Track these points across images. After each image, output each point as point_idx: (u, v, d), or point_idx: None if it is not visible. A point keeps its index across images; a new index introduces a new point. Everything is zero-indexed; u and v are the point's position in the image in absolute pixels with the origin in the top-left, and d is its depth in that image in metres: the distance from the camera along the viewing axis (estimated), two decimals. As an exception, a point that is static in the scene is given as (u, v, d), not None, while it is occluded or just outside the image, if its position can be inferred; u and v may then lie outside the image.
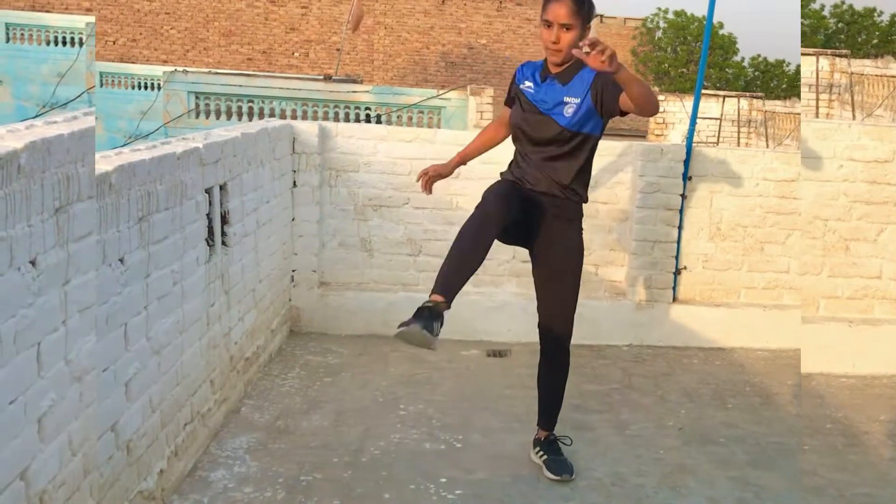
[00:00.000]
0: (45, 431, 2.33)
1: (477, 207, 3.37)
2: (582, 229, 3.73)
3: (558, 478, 3.64)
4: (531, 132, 3.57)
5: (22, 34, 17.97)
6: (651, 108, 3.33)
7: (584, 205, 3.70)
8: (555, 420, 3.83)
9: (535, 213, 3.56)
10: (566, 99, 3.49)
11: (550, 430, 3.82)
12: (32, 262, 2.22)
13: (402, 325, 3.01)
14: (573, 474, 3.68)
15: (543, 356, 3.77)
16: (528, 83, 3.61)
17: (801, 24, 36.64)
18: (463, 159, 3.95)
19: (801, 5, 36.95)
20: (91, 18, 17.03)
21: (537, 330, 3.74)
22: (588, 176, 3.68)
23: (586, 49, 3.06)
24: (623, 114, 3.47)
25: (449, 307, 3.11)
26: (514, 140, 3.70)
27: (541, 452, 3.77)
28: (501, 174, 3.74)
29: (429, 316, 3.01)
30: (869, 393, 4.83)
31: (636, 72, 42.15)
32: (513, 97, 3.70)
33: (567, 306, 3.68)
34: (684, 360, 5.44)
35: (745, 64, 43.01)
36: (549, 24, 3.42)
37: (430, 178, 3.91)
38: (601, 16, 49.13)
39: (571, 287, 3.68)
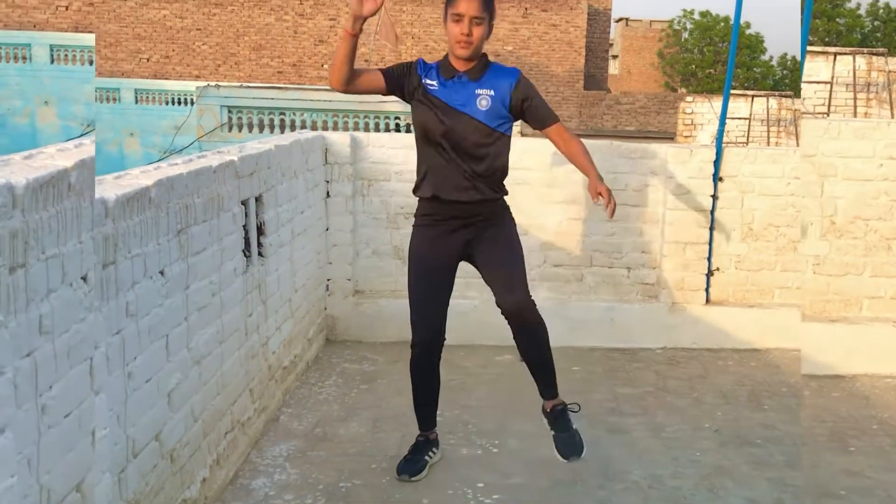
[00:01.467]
0: (98, 446, 2.39)
1: (411, 348, 3.67)
2: (513, 220, 3.71)
3: (566, 460, 3.70)
4: (449, 131, 3.49)
5: (147, 97, 21.70)
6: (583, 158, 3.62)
7: (504, 199, 3.71)
8: (554, 385, 3.77)
9: (461, 235, 3.61)
10: (478, 92, 3.49)
11: (555, 397, 3.79)
12: (161, 273, 2.83)
13: (398, 469, 3.70)
14: (582, 452, 3.75)
15: (515, 329, 3.64)
16: (430, 81, 3.52)
17: (837, 23, 35.75)
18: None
19: (836, 4, 36.21)
20: (201, 83, 18.53)
21: (501, 313, 3.61)
22: (505, 173, 3.66)
23: (600, 202, 3.51)
24: (526, 120, 3.60)
25: (435, 427, 3.85)
26: (425, 143, 3.59)
27: (549, 425, 3.81)
28: (417, 215, 3.74)
29: (422, 451, 3.76)
30: (915, 393, 4.77)
31: (663, 74, 42.02)
32: (401, 82, 3.55)
33: (517, 272, 3.59)
34: (719, 361, 5.43)
35: (774, 63, 42.65)
36: (458, 18, 3.41)
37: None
38: (626, 19, 49.05)
39: (515, 256, 3.62)
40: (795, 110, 21.32)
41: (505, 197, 3.70)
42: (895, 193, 5.05)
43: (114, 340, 2.52)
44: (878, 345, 5.00)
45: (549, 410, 3.80)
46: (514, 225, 3.71)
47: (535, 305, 3.62)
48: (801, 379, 5.10)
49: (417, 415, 3.81)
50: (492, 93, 3.50)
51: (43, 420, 2.07)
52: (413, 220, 3.76)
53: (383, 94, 3.63)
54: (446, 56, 3.57)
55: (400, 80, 3.56)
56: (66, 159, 2.18)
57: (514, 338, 3.69)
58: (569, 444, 3.75)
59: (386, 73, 3.55)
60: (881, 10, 38.41)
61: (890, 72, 17.43)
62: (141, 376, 2.74)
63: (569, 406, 3.81)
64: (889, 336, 5.03)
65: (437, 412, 3.88)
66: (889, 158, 5.04)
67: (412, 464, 3.71)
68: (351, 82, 3.46)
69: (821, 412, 4.54)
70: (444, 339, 3.67)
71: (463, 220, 3.59)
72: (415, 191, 3.71)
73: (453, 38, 3.46)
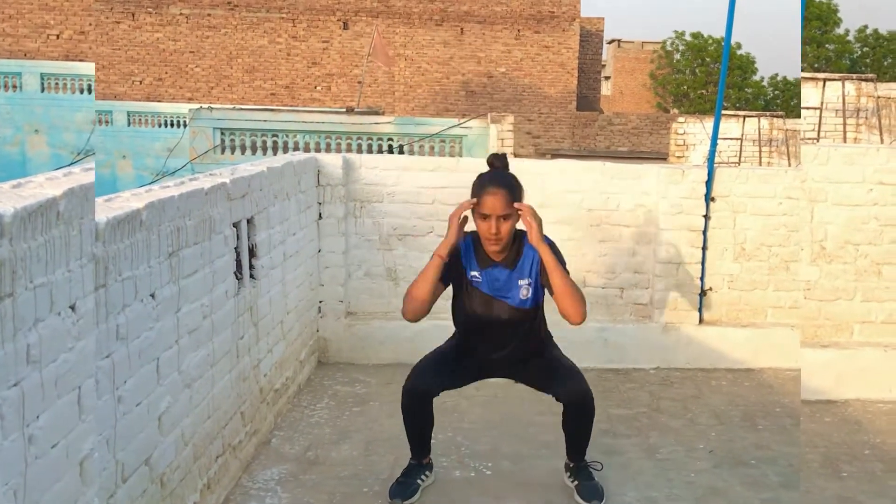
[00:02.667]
0: (86, 475, 2.37)
1: (408, 377, 3.67)
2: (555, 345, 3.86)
3: (587, 503, 3.65)
4: (491, 317, 3.61)
5: (140, 119, 21.73)
6: (570, 307, 3.44)
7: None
8: (584, 453, 3.82)
9: (499, 369, 3.79)
10: (520, 282, 3.58)
11: (580, 461, 3.83)
12: (152, 295, 2.83)
13: (391, 492, 3.67)
14: (603, 499, 3.68)
15: (571, 411, 3.70)
16: (473, 273, 3.61)
17: (826, 49, 35.93)
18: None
19: (825, 31, 36.42)
20: (194, 105, 18.62)
21: (558, 400, 3.71)
22: (544, 321, 3.79)
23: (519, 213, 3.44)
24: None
25: (429, 453, 3.83)
26: (464, 327, 3.73)
27: (572, 477, 3.78)
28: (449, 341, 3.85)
29: (415, 474, 3.75)
30: (906, 416, 4.76)
31: (655, 95, 42.20)
32: (450, 273, 3.61)
33: (577, 372, 3.72)
34: (712, 381, 5.42)
35: (765, 83, 42.93)
36: (486, 217, 3.47)
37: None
38: (618, 40, 49.33)
39: (567, 363, 3.77)
40: (787, 130, 21.44)
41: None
42: (885, 218, 5.07)
43: (104, 364, 2.50)
44: (869, 369, 5.00)
45: (572, 465, 3.82)
46: (557, 347, 3.86)
47: (593, 396, 3.69)
48: (795, 399, 5.09)
49: (411, 444, 3.80)
50: (528, 281, 3.59)
51: (30, 450, 2.04)
52: None
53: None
54: (478, 236, 3.60)
55: (451, 273, 3.62)
56: (55, 188, 2.17)
57: (563, 415, 3.72)
58: (592, 489, 3.70)
59: (443, 280, 3.61)
60: (869, 36, 38.58)
61: (879, 97, 17.44)
62: (131, 400, 2.72)
63: (591, 464, 3.82)
64: (880, 360, 5.03)
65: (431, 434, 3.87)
66: (879, 183, 5.06)
67: (404, 487, 3.69)
68: (429, 306, 3.57)
69: (813, 437, 4.51)
70: (436, 395, 3.71)
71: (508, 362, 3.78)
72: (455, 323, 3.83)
73: (483, 236, 3.53)
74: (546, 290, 3.60)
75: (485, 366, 3.78)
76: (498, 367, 3.79)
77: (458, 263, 3.60)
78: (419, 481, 3.74)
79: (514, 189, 3.51)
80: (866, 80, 17.87)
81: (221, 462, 3.62)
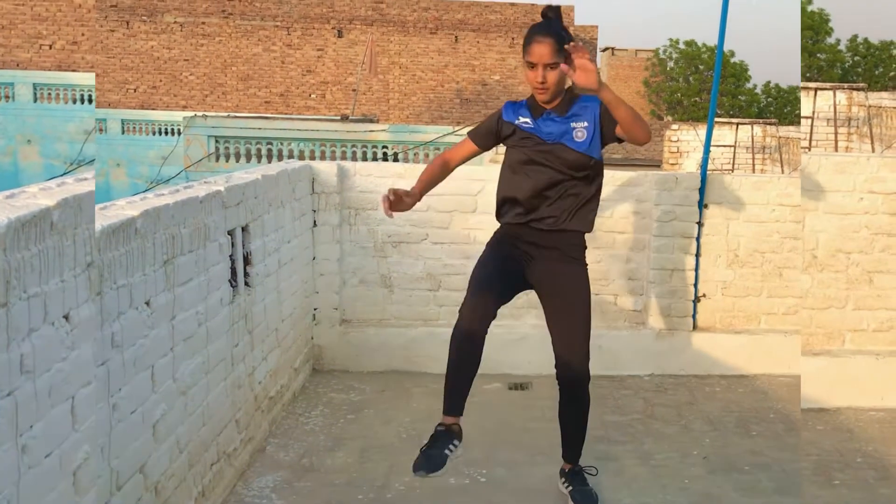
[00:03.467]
0: (80, 484, 2.37)
1: (461, 307, 3.37)
2: (586, 265, 3.68)
3: None
4: (542, 166, 3.50)
5: (134, 127, 21.53)
6: (640, 133, 3.33)
7: (585, 237, 3.67)
8: (580, 452, 3.79)
9: (532, 259, 3.57)
10: (574, 125, 3.49)
11: (576, 463, 3.80)
12: (147, 303, 2.83)
13: (415, 465, 3.33)
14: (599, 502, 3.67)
15: (564, 393, 3.66)
16: (524, 119, 3.55)
17: (818, 58, 36.25)
18: (422, 191, 3.67)
19: (816, 40, 36.59)
20: (188, 113, 18.58)
21: (554, 368, 3.64)
22: (597, 204, 3.67)
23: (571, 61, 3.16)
24: (619, 140, 3.50)
25: (461, 416, 3.42)
26: (512, 181, 3.58)
27: (566, 483, 3.77)
28: (496, 233, 3.69)
29: (442, 443, 3.33)
30: (898, 425, 4.78)
31: (649, 103, 42.32)
32: (494, 136, 3.63)
33: (582, 338, 3.59)
34: (706, 388, 5.43)
35: (758, 91, 43.09)
36: (532, 65, 3.44)
37: (392, 202, 3.48)
38: (612, 48, 49.49)
39: (584, 319, 3.60)
40: (780, 137, 21.52)
41: (586, 236, 3.68)
42: (875, 227, 5.09)
43: (99, 372, 2.51)
44: (861, 378, 5.01)
45: (567, 470, 3.78)
46: (587, 270, 3.70)
47: (589, 375, 3.61)
48: (788, 405, 5.10)
49: (446, 393, 3.40)
50: (585, 124, 3.50)
51: (23, 460, 2.05)
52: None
53: (480, 154, 3.75)
54: (532, 96, 3.59)
55: (490, 137, 3.65)
56: (49, 198, 2.18)
57: (559, 401, 3.68)
58: (586, 495, 3.67)
59: (474, 137, 3.66)
60: (860, 46, 38.92)
61: (870, 106, 17.63)
62: (126, 408, 2.73)
63: (586, 469, 3.79)
64: (872, 368, 5.04)
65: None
66: (869, 192, 5.08)
67: (430, 460, 3.29)
68: (456, 164, 3.72)
69: (805, 445, 4.51)
70: (494, 317, 3.43)
71: (545, 248, 3.57)
72: (497, 217, 3.71)
73: (531, 85, 3.49)
74: (609, 135, 3.46)
75: (525, 256, 3.56)
76: (537, 255, 3.56)
77: (499, 122, 3.61)
78: (447, 451, 3.32)
79: (562, 39, 3.43)
80: (857, 89, 18.17)
81: (216, 470, 3.62)
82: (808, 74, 33.22)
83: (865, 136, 17.33)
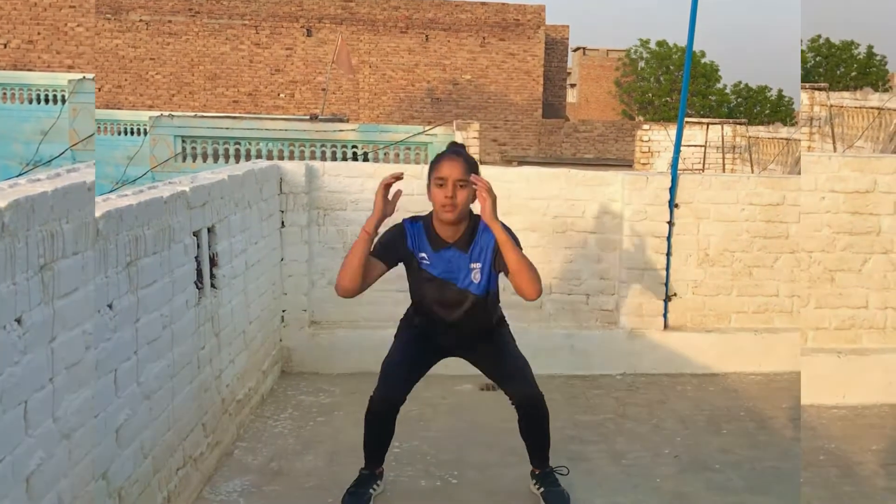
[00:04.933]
0: (33, 491, 2.30)
1: (371, 400, 3.62)
2: (506, 324, 3.89)
3: None
4: (444, 302, 3.62)
5: (4, 93, 17.51)
6: (526, 284, 3.40)
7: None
8: (547, 457, 3.79)
9: (457, 349, 3.79)
10: (472, 266, 3.57)
11: (545, 467, 3.80)
12: (18, 321, 2.23)
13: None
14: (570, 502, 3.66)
15: (523, 416, 3.69)
16: (422, 254, 3.58)
17: (710, 99, 41.71)
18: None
19: (708, 85, 41.80)
20: (75, 75, 16.90)
21: (511, 402, 3.70)
22: (498, 302, 3.80)
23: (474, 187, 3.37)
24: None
25: (382, 464, 3.77)
26: (419, 306, 3.72)
27: (538, 485, 3.76)
28: (410, 319, 3.82)
29: (367, 483, 3.70)
30: (860, 423, 4.82)
31: (620, 103, 42.54)
32: (394, 255, 3.59)
33: (524, 368, 3.71)
34: (678, 387, 5.43)
35: (728, 91, 43.47)
36: (441, 183, 3.45)
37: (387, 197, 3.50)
38: (584, 48, 49.67)
39: (516, 354, 3.75)
40: (749, 137, 21.73)
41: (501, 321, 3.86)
42: (754, 231, 5.84)
43: (52, 385, 2.43)
44: (743, 349, 5.75)
45: (538, 472, 3.78)
46: (512, 337, 3.85)
47: (542, 395, 3.68)
48: (759, 403, 5.12)
49: (367, 454, 3.73)
50: (480, 265, 3.58)
51: (-27, 467, 1.98)
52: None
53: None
54: (430, 218, 3.58)
55: (395, 258, 3.60)
56: (0, 200, 2.11)
57: (518, 421, 3.70)
58: (558, 495, 3.68)
59: (380, 256, 3.53)
60: (742, 89, 44.05)
61: (749, 137, 21.66)
62: (87, 412, 2.66)
63: (556, 469, 3.80)
64: (753, 342, 5.77)
65: (395, 444, 3.83)
66: (749, 204, 5.81)
67: (357, 497, 3.64)
68: (363, 287, 3.49)
69: (700, 403, 5.16)
70: (404, 401, 3.66)
71: (461, 342, 3.78)
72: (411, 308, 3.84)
73: (438, 203, 3.48)
74: (501, 273, 3.58)
75: (440, 349, 3.78)
76: (453, 349, 3.79)
77: (403, 246, 3.58)
78: (371, 490, 3.70)
79: (471, 162, 3.52)
80: (740, 123, 22.72)
81: (182, 475, 3.56)
82: (701, 112, 38.85)
83: (827, 136, 19.44)
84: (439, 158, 3.52)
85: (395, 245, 3.58)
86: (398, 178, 3.41)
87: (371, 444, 3.70)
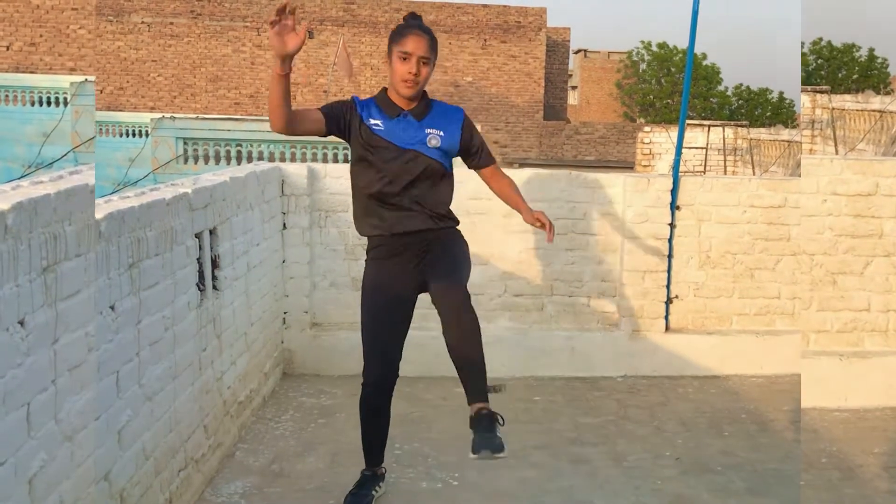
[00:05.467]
0: (36, 492, 2.31)
1: (363, 377, 3.54)
2: (465, 243, 3.62)
3: (477, 455, 3.16)
4: (394, 169, 3.43)
5: (6, 95, 17.55)
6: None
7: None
8: (484, 389, 3.34)
9: (414, 267, 3.48)
10: (428, 131, 3.48)
11: (484, 402, 3.31)
12: (21, 323, 2.23)
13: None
14: (502, 451, 3.16)
15: (447, 325, 3.28)
16: (374, 120, 3.46)
17: (711, 102, 41.97)
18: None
19: (710, 87, 42.17)
20: (77, 78, 16.77)
21: (432, 302, 3.38)
22: (450, 203, 3.63)
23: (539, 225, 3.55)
24: (473, 168, 3.73)
25: (382, 462, 3.76)
26: (362, 183, 3.49)
27: (472, 429, 3.25)
28: (369, 253, 3.57)
29: (369, 486, 3.69)
30: (862, 426, 4.81)
31: (622, 105, 42.56)
32: (341, 122, 3.44)
33: (458, 271, 3.44)
34: (679, 389, 5.43)
35: (729, 93, 43.48)
36: (406, 56, 3.39)
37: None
38: (585, 50, 49.69)
39: (460, 263, 3.49)
40: (751, 139, 21.73)
41: (456, 225, 3.64)
42: (756, 233, 5.81)
43: (55, 387, 2.44)
44: (745, 351, 5.73)
45: (474, 416, 3.28)
46: (465, 245, 3.62)
47: (469, 299, 3.32)
48: (760, 405, 5.12)
49: (365, 451, 3.71)
50: (441, 133, 3.49)
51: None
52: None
53: (322, 136, 3.52)
54: (383, 93, 3.52)
55: (339, 121, 3.44)
56: (3, 202, 2.12)
57: (444, 332, 3.30)
58: (487, 440, 3.17)
59: (325, 113, 3.42)
60: (744, 91, 44.03)
61: (751, 139, 21.55)
62: (90, 414, 2.66)
63: (497, 414, 3.30)
64: (754, 344, 5.75)
65: (396, 446, 3.82)
66: (750, 206, 5.80)
67: (358, 498, 3.63)
68: (292, 123, 3.30)
69: (701, 405, 5.16)
70: (398, 376, 3.55)
71: (416, 248, 3.49)
72: (359, 229, 3.61)
73: (399, 77, 3.41)
74: (470, 162, 3.69)
75: (409, 263, 3.47)
76: (419, 258, 3.47)
77: (350, 109, 3.45)
78: (374, 492, 3.70)
79: (434, 39, 3.48)
80: (741, 125, 22.80)
81: (184, 476, 3.56)
82: (703, 114, 39.00)
83: (748, 163, 21.05)
84: (403, 31, 3.42)
85: (341, 107, 3.45)
86: (283, 8, 3.08)
87: (368, 436, 3.64)
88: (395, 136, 3.44)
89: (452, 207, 3.63)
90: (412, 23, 3.49)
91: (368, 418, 3.61)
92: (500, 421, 3.28)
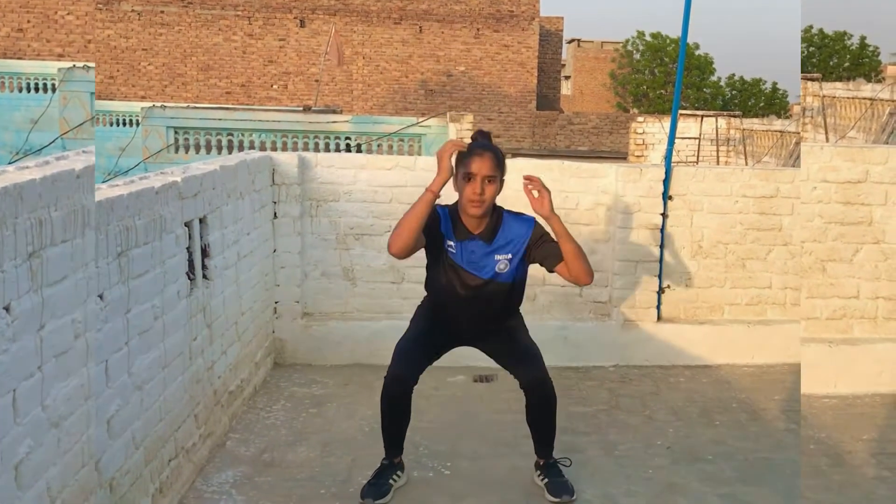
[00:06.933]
0: (22, 479, 2.29)
1: (385, 380, 3.61)
2: (524, 324, 3.89)
3: (558, 499, 3.66)
4: (465, 292, 3.61)
5: None
6: (582, 271, 3.52)
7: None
8: (552, 448, 3.82)
9: (473, 339, 3.81)
10: (497, 257, 3.58)
11: (549, 457, 3.82)
12: (6, 309, 2.21)
13: (362, 493, 3.64)
14: (573, 495, 3.68)
15: (530, 401, 3.73)
16: (449, 241, 3.59)
17: (704, 92, 42.16)
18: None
19: (703, 78, 42.20)
20: (65, 64, 16.61)
21: (520, 386, 3.72)
22: (522, 295, 3.82)
23: (529, 186, 3.49)
24: (550, 271, 3.67)
25: (401, 453, 3.77)
26: (436, 296, 3.74)
27: (542, 476, 3.78)
28: (420, 309, 3.87)
29: (386, 475, 3.70)
30: (851, 412, 4.83)
31: (615, 95, 42.50)
32: (432, 232, 3.56)
33: (535, 354, 3.72)
34: (670, 378, 5.44)
35: (723, 83, 43.51)
36: (470, 178, 3.45)
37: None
38: (578, 40, 49.60)
39: (528, 341, 3.78)
40: (744, 129, 21.74)
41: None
42: (748, 223, 5.81)
43: (41, 373, 2.42)
44: (736, 341, 5.73)
45: (542, 463, 3.81)
46: (525, 326, 3.87)
47: (552, 383, 3.70)
48: (751, 394, 5.13)
49: (385, 440, 3.74)
50: (509, 256, 3.58)
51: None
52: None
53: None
54: (456, 208, 3.59)
55: (432, 233, 3.56)
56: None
57: (526, 406, 3.74)
58: (561, 486, 3.70)
59: (424, 233, 3.54)
60: (737, 82, 44.26)
61: (744, 129, 21.79)
62: (71, 410, 2.64)
63: (560, 461, 3.82)
64: (745, 333, 5.76)
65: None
66: (743, 196, 5.79)
67: (377, 487, 3.64)
68: (412, 250, 3.51)
69: (692, 394, 5.16)
70: (416, 381, 3.65)
71: (474, 333, 3.80)
72: (427, 290, 3.83)
73: (466, 198, 3.49)
74: (545, 265, 3.63)
75: (455, 337, 3.80)
76: (467, 338, 3.81)
77: (437, 227, 3.56)
78: (391, 481, 3.70)
79: (500, 157, 3.54)
80: (734, 116, 22.96)
81: (174, 465, 3.55)
82: (696, 105, 38.83)
83: (740, 153, 21.26)
84: (470, 151, 3.49)
85: (433, 223, 3.55)
86: (460, 147, 3.46)
87: (389, 429, 3.69)
88: (465, 261, 3.59)
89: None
90: (477, 143, 3.56)
91: (387, 411, 3.65)
92: (567, 463, 3.85)
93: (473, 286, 3.60)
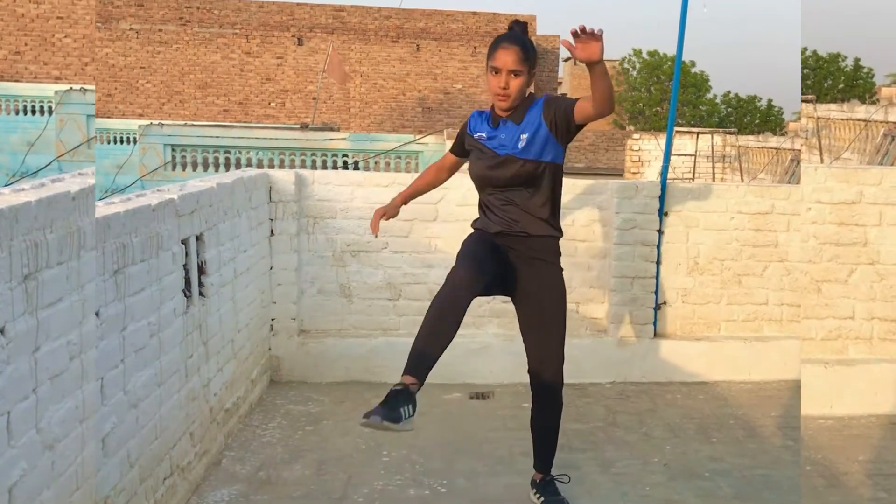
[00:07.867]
0: (15, 502, 2.28)
1: (448, 276, 3.30)
2: (561, 269, 3.69)
3: None
4: (495, 175, 3.54)
5: None
6: (610, 104, 3.35)
7: (559, 242, 3.68)
8: (551, 462, 3.79)
9: (511, 260, 3.56)
10: (521, 136, 3.50)
11: (547, 473, 3.78)
12: (1, 331, 2.21)
13: (366, 414, 3.01)
14: None
15: (536, 401, 3.71)
16: (480, 133, 3.62)
17: (700, 109, 42.74)
18: (405, 199, 3.99)
19: (699, 95, 42.89)
20: (62, 86, 16.61)
21: (527, 374, 3.68)
22: (558, 208, 3.65)
23: (578, 32, 3.09)
24: (579, 128, 3.49)
25: (421, 386, 3.12)
26: (479, 190, 3.68)
27: (538, 494, 3.74)
28: (473, 224, 3.72)
29: (396, 401, 3.00)
30: (847, 433, 4.82)
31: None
32: (464, 146, 3.75)
33: (555, 351, 3.64)
34: (667, 395, 5.43)
35: (718, 101, 43.71)
36: (496, 71, 3.46)
37: (377, 220, 3.85)
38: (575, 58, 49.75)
39: (557, 332, 3.64)
40: (739, 147, 21.83)
41: (559, 240, 3.69)
42: (743, 240, 5.85)
43: (35, 395, 2.41)
44: (733, 357, 5.75)
45: (538, 481, 3.76)
46: (563, 287, 3.70)
47: (562, 382, 3.68)
48: (748, 411, 5.13)
49: (414, 354, 3.15)
50: (528, 135, 3.50)
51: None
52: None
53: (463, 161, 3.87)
54: (492, 105, 3.64)
55: (461, 144, 3.78)
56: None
57: (531, 407, 3.73)
58: (558, 502, 3.68)
59: (453, 151, 3.87)
60: (732, 99, 44.68)
61: (739, 146, 22.11)
62: (66, 432, 2.63)
63: (557, 478, 3.78)
64: (741, 350, 5.77)
65: (384, 452, 3.80)
66: (738, 213, 5.83)
67: (390, 409, 2.98)
68: (445, 177, 3.99)
69: (689, 411, 5.14)
70: (485, 285, 3.36)
71: (515, 250, 3.57)
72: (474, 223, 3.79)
73: (491, 91, 3.50)
74: (568, 116, 3.42)
75: (499, 261, 3.50)
76: (508, 262, 3.54)
77: (464, 133, 3.73)
78: (402, 411, 3.00)
79: (528, 49, 3.47)
80: (730, 133, 23.39)
81: (169, 484, 3.53)
82: (692, 122, 39.13)
83: (736, 170, 21.57)
84: (497, 43, 3.48)
85: (460, 137, 3.79)
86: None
87: (424, 339, 3.16)
88: (497, 144, 3.57)
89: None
90: (505, 34, 3.53)
91: (439, 311, 3.21)
92: (565, 480, 3.83)
93: (498, 163, 3.50)
